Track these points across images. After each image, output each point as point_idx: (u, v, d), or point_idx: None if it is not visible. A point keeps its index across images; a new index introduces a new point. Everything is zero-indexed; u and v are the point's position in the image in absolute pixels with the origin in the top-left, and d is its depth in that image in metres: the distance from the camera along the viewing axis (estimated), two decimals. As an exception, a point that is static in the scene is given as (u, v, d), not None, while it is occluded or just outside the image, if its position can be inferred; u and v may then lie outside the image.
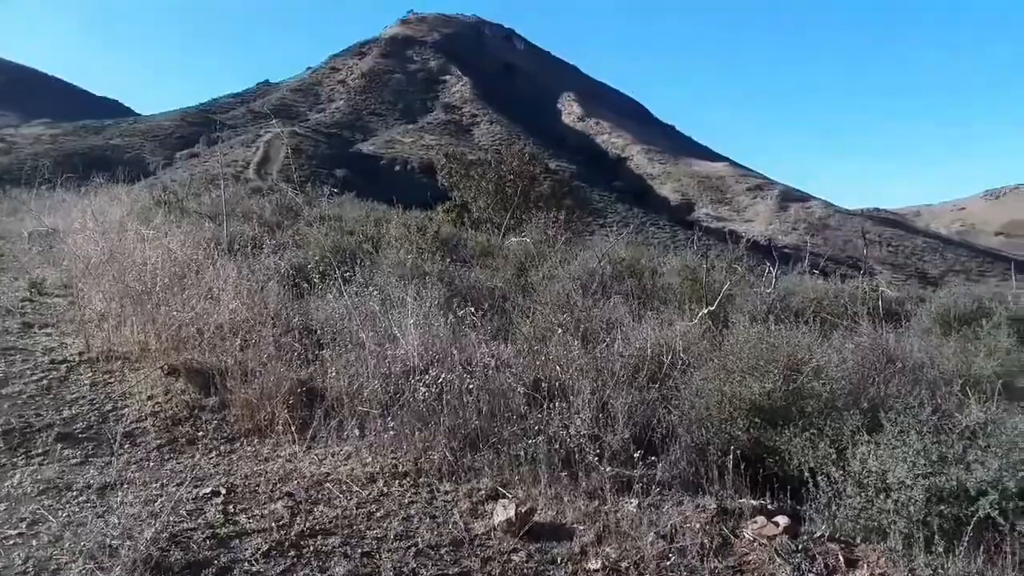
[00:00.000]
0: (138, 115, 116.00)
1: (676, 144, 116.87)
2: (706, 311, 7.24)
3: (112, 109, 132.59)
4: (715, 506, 3.93)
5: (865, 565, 3.36)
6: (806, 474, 4.05)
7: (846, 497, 3.80)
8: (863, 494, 3.67)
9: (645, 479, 4.11)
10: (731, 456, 4.17)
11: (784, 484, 4.19)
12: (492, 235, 14.03)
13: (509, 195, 18.26)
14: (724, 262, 10.40)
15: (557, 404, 4.48)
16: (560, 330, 5.29)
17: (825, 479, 3.93)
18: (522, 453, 4.36)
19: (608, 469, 4.03)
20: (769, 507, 3.99)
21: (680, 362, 4.94)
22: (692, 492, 4.16)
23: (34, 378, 5.53)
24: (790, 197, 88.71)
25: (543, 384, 4.81)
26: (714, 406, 4.38)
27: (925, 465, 3.52)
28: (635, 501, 3.98)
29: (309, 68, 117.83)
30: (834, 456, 4.07)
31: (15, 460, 4.33)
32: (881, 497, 3.55)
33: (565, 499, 4.10)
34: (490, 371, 5.02)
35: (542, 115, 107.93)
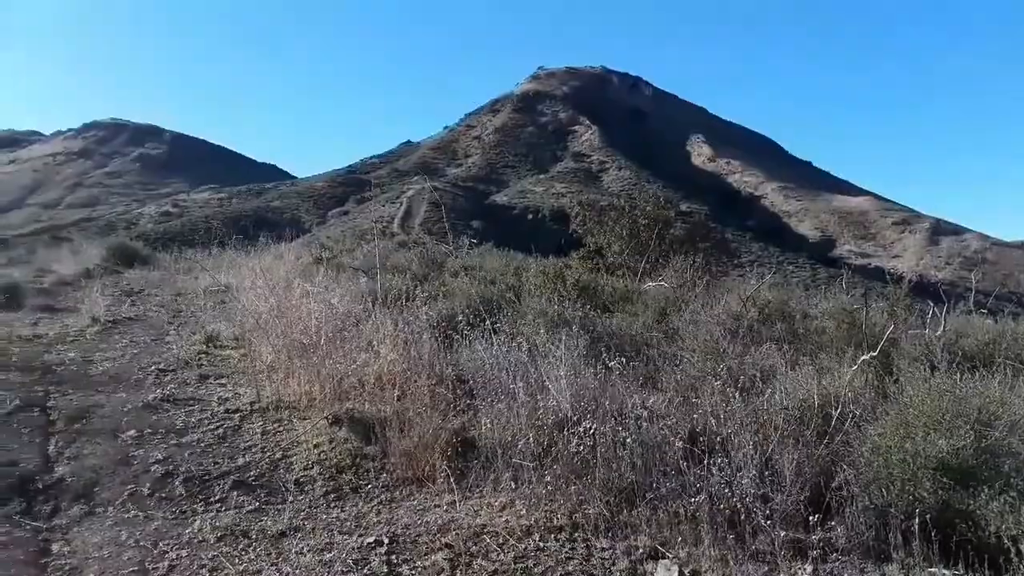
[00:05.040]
0: (294, 178, 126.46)
1: (813, 180, 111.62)
2: (867, 357, 6.74)
3: (271, 173, 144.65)
4: (902, 576, 3.58)
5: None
6: (1006, 542, 3.62)
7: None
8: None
9: (822, 544, 3.81)
10: (916, 520, 3.80)
11: (980, 552, 3.75)
12: (628, 280, 13.87)
13: (644, 240, 18.03)
14: (883, 303, 9.67)
15: (718, 460, 4.28)
16: (715, 380, 5.07)
17: (1029, 547, 3.50)
18: (682, 510, 4.19)
19: (782, 532, 3.78)
20: (965, 578, 3.58)
21: (851, 415, 4.59)
22: (874, 559, 3.81)
23: (211, 427, 5.96)
24: (942, 230, 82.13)
25: (701, 438, 4.62)
26: (895, 464, 4.02)
27: None
28: (810, 568, 3.70)
29: (446, 127, 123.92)
30: (1038, 522, 3.62)
31: (195, 507, 4.64)
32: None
33: (731, 562, 3.87)
34: (643, 423, 4.90)
35: (671, 158, 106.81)
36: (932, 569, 3.70)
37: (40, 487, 4.76)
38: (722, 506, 4.08)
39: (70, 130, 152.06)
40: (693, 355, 6.69)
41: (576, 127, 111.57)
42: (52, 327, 9.58)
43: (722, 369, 5.62)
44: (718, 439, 4.56)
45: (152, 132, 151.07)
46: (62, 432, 5.68)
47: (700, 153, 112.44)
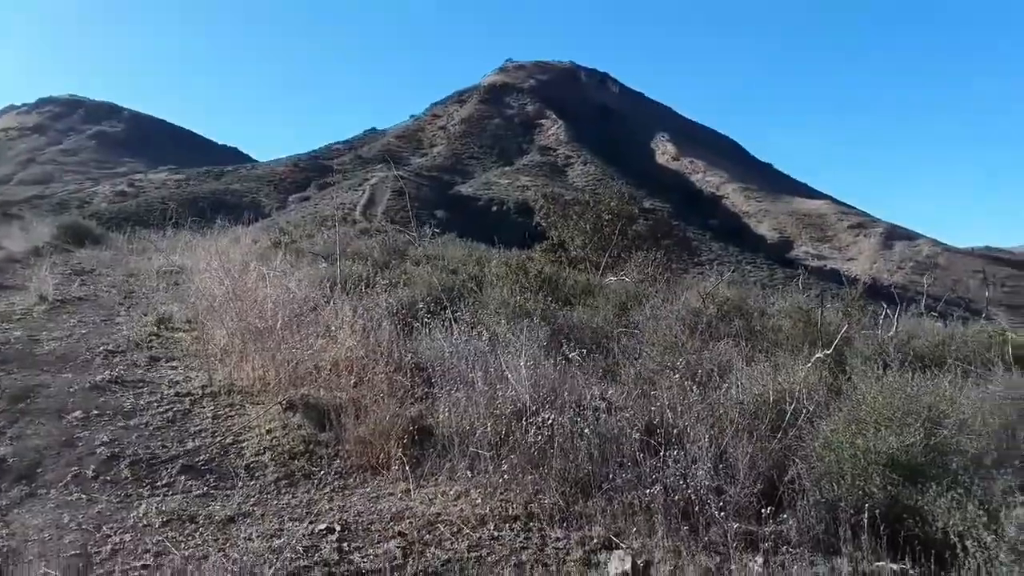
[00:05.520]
0: (255, 161, 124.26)
1: (773, 182, 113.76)
2: (821, 355, 6.87)
3: (232, 156, 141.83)
4: (850, 569, 3.64)
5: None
6: (952, 538, 3.72)
7: (999, 564, 3.48)
8: (1021, 562, 3.32)
9: (773, 536, 3.87)
10: (866, 514, 3.87)
11: (927, 547, 3.84)
12: (590, 274, 13.92)
13: (607, 234, 18.11)
14: (838, 303, 9.88)
15: (674, 452, 4.31)
16: (674, 373, 5.11)
17: (975, 544, 3.59)
18: (637, 501, 4.21)
19: (734, 524, 3.82)
20: (910, 572, 3.66)
21: (804, 411, 4.66)
22: (824, 552, 3.88)
23: (160, 410, 5.80)
24: (895, 235, 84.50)
25: (658, 430, 4.64)
26: (847, 460, 4.09)
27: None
28: (761, 560, 3.74)
29: (412, 116, 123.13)
30: (985, 519, 3.72)
31: (141, 490, 4.52)
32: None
33: (684, 553, 3.90)
34: (601, 414, 4.91)
35: (636, 155, 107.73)
36: (880, 563, 3.77)
37: (-22, 468, 4.58)
38: (676, 498, 4.10)
39: (24, 105, 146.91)
40: (652, 349, 6.73)
41: (543, 121, 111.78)
42: (-3, 305, 9.23)
43: (680, 363, 5.66)
44: (675, 432, 4.59)
45: (110, 110, 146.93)
46: (4, 412, 5.48)
47: (665, 152, 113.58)
